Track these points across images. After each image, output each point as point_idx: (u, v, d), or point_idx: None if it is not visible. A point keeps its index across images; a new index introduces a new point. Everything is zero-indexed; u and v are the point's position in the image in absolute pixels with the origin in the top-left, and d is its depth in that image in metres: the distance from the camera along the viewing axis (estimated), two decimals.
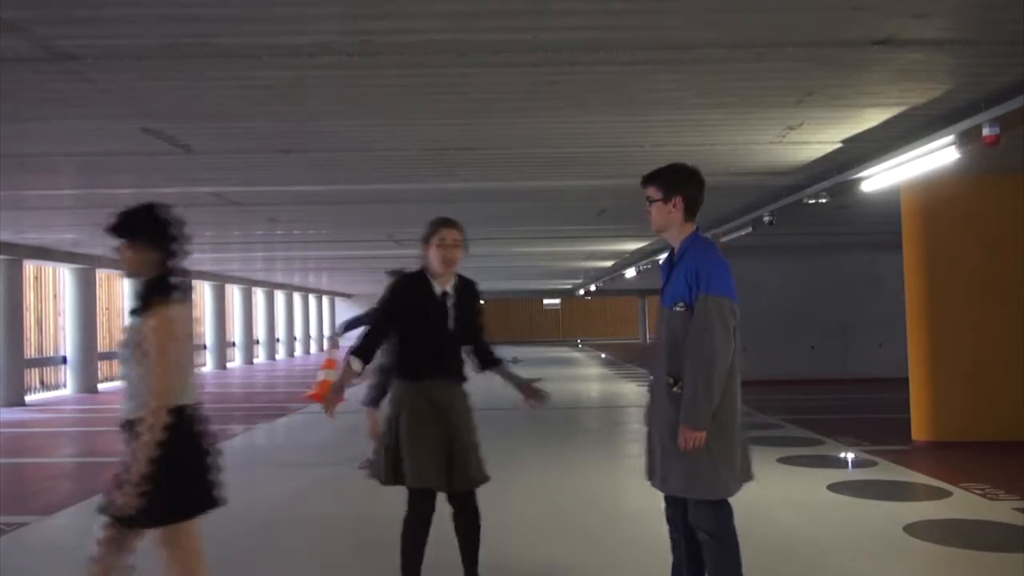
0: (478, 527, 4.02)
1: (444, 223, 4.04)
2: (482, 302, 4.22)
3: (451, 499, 4.00)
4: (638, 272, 21.23)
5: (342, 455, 8.91)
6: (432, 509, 3.95)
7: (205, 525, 6.00)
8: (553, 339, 42.59)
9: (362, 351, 3.94)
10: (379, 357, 4.48)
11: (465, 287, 4.10)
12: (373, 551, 5.09)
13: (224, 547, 5.29)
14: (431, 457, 3.86)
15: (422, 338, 3.96)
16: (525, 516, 5.75)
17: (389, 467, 3.93)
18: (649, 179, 3.51)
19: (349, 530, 5.60)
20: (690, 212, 3.42)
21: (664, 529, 5.67)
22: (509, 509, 5.59)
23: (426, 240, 4.03)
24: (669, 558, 3.69)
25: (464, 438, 3.94)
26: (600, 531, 5.46)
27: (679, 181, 3.44)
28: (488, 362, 4.23)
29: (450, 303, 4.00)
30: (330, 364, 7.73)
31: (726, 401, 3.26)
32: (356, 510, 6.20)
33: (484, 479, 4.01)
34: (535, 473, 7.36)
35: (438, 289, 4.00)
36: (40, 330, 17.39)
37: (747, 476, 3.45)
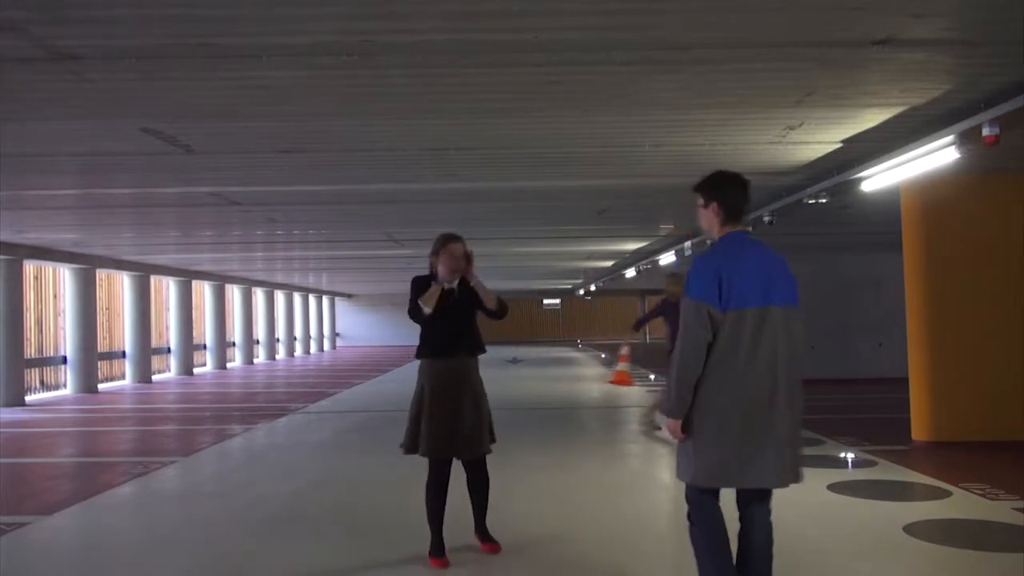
0: (487, 488, 4.87)
1: (453, 238, 4.84)
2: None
3: (465, 465, 4.82)
4: (638, 272, 21.23)
5: (341, 454, 8.93)
6: (447, 474, 4.77)
7: (204, 524, 6.03)
8: (553, 339, 42.60)
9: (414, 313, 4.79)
10: None
11: (464, 282, 4.88)
12: (371, 549, 5.09)
13: (224, 546, 5.29)
14: (445, 432, 4.66)
15: (440, 322, 4.76)
16: (525, 516, 5.75)
17: (412, 438, 4.75)
18: (695, 187, 3.69)
19: (347, 528, 5.60)
20: (729, 216, 3.57)
21: (661, 529, 5.69)
22: (509, 510, 5.58)
23: (436, 252, 4.84)
24: (667, 558, 3.68)
25: (478, 410, 4.75)
26: (599, 530, 5.46)
27: (716, 187, 3.60)
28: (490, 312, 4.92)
29: (455, 296, 4.82)
30: (624, 358, 9.45)
31: (704, 399, 3.37)
32: (355, 508, 6.21)
33: (487, 450, 4.82)
34: (536, 474, 7.35)
35: (447, 287, 4.81)
36: (40, 330, 17.38)
37: (751, 479, 3.40)
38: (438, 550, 4.75)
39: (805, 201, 9.02)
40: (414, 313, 4.78)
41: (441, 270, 4.79)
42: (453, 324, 4.80)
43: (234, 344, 26.62)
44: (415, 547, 4.98)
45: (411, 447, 4.75)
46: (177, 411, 14.17)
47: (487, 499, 4.92)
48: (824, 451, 8.17)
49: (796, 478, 3.46)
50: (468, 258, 4.80)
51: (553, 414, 11.89)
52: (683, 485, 3.58)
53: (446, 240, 4.82)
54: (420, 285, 4.81)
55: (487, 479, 4.90)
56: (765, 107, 6.01)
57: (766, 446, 3.36)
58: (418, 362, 4.87)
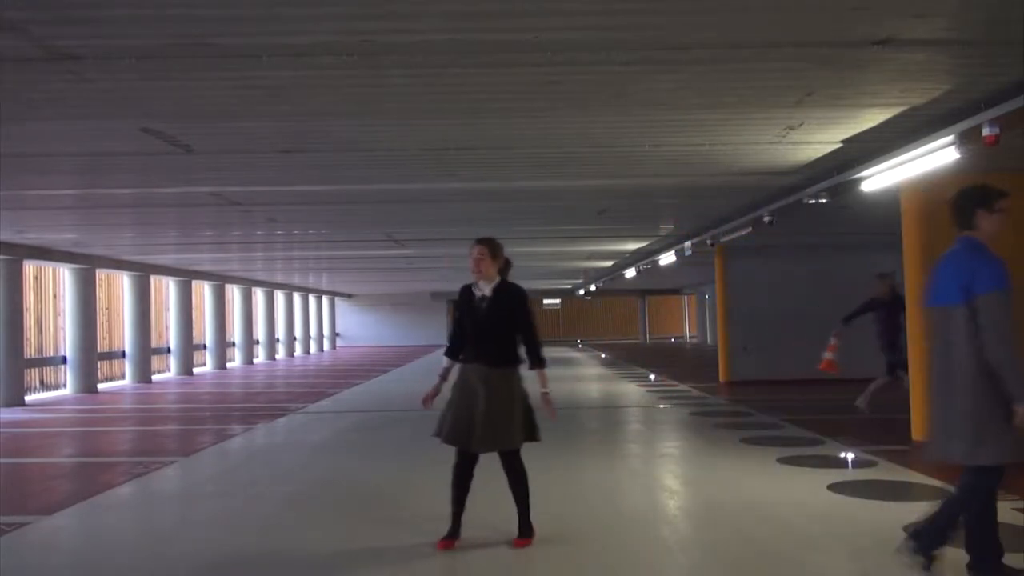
0: (520, 483, 5.07)
1: (475, 242, 5.19)
2: (527, 305, 5.15)
3: (501, 458, 5.03)
4: (638, 272, 21.23)
5: (341, 455, 8.93)
6: (467, 461, 5.04)
7: (204, 524, 6.03)
8: (553, 339, 42.60)
9: (450, 351, 5.22)
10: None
11: (503, 291, 5.10)
12: (371, 547, 5.09)
13: (224, 545, 5.29)
14: (454, 424, 4.96)
15: (467, 331, 5.12)
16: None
17: (439, 425, 5.07)
18: None
19: (348, 527, 5.60)
20: (954, 225, 4.41)
21: (665, 531, 5.68)
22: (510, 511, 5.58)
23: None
24: (669, 561, 3.67)
25: (489, 412, 4.90)
26: (600, 532, 5.46)
27: None
28: (530, 362, 5.11)
29: (485, 304, 5.05)
30: (833, 348, 10.56)
31: None
32: (355, 507, 6.21)
33: (504, 447, 4.98)
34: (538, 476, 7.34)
35: (478, 293, 5.10)
36: (40, 330, 17.38)
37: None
38: (448, 532, 5.02)
39: (805, 201, 9.02)
40: (451, 333, 5.30)
41: (471, 270, 5.16)
42: (476, 334, 5.06)
43: (234, 344, 26.62)
44: (415, 541, 4.99)
45: (436, 431, 5.08)
46: (177, 411, 14.17)
47: (522, 495, 5.09)
48: (824, 451, 8.17)
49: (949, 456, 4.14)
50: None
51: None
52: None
53: (473, 244, 5.20)
54: (458, 297, 5.23)
55: (519, 475, 5.08)
56: (765, 107, 6.01)
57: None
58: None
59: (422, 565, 4.80)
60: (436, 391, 5.08)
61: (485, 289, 5.08)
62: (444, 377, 5.13)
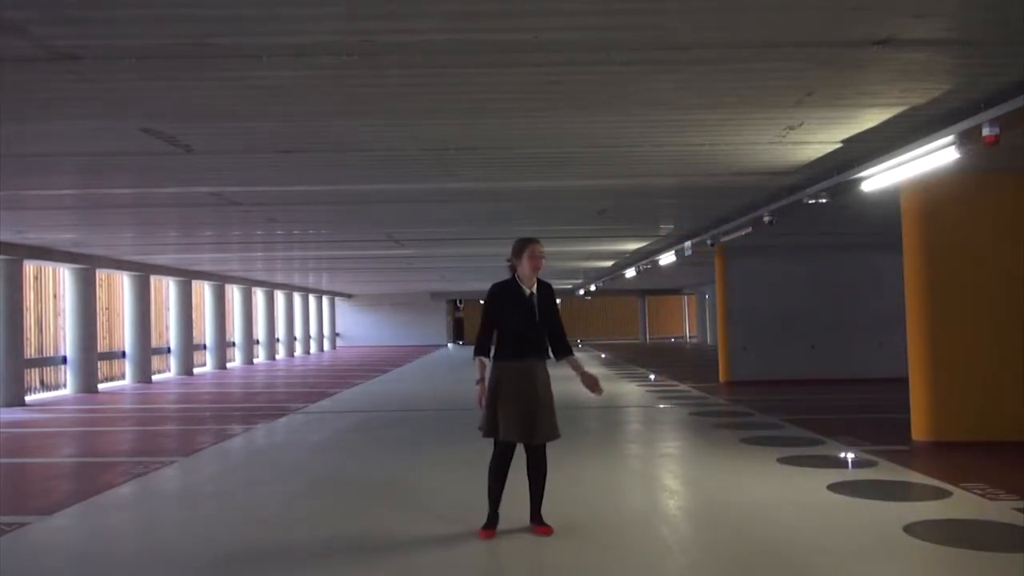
0: (545, 475, 5.33)
1: (532, 241, 5.38)
2: (558, 300, 5.51)
3: (528, 451, 5.29)
4: (638, 272, 21.23)
5: (341, 454, 8.92)
6: (511, 455, 5.28)
7: (204, 524, 6.03)
8: None
9: (481, 350, 5.34)
10: None
11: (543, 288, 5.40)
12: (371, 546, 5.09)
13: (224, 546, 5.29)
14: (517, 419, 5.14)
15: (516, 329, 5.26)
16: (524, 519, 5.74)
17: (490, 425, 5.22)
18: None
19: (348, 527, 5.61)
20: None
21: (665, 531, 5.68)
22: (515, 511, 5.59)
23: (518, 253, 5.34)
24: (669, 561, 3.67)
25: (543, 404, 5.21)
26: (600, 532, 5.46)
27: None
28: (560, 352, 5.42)
29: (535, 301, 5.32)
30: None
31: None
32: (354, 507, 6.22)
33: (555, 436, 5.29)
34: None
35: (526, 291, 5.32)
36: (40, 330, 17.38)
37: None
38: (491, 523, 5.25)
39: (805, 201, 9.03)
40: (482, 333, 5.36)
41: (526, 269, 5.31)
42: (526, 331, 5.27)
43: (234, 344, 26.62)
44: (415, 538, 4.99)
45: (489, 432, 5.25)
46: (177, 411, 14.17)
47: (544, 485, 5.34)
48: (824, 451, 8.18)
49: None
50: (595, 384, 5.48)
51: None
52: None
53: (526, 242, 5.36)
54: (495, 296, 5.34)
55: (545, 465, 5.33)
56: (765, 107, 6.01)
57: None
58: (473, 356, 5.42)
59: (422, 561, 4.80)
60: (484, 390, 5.28)
61: (531, 287, 5.33)
62: (484, 377, 5.32)
